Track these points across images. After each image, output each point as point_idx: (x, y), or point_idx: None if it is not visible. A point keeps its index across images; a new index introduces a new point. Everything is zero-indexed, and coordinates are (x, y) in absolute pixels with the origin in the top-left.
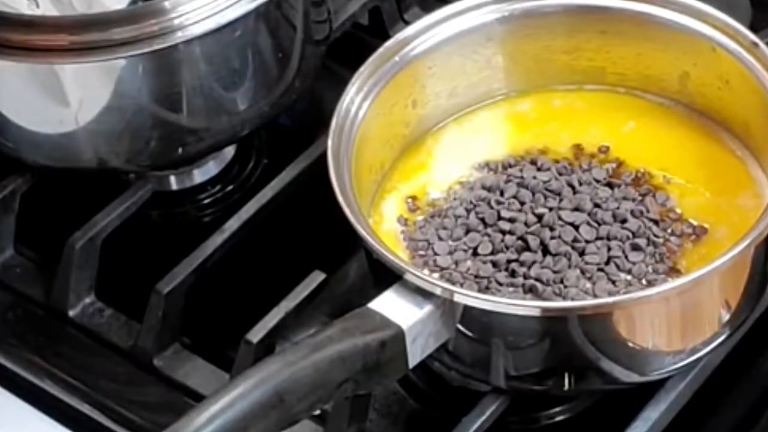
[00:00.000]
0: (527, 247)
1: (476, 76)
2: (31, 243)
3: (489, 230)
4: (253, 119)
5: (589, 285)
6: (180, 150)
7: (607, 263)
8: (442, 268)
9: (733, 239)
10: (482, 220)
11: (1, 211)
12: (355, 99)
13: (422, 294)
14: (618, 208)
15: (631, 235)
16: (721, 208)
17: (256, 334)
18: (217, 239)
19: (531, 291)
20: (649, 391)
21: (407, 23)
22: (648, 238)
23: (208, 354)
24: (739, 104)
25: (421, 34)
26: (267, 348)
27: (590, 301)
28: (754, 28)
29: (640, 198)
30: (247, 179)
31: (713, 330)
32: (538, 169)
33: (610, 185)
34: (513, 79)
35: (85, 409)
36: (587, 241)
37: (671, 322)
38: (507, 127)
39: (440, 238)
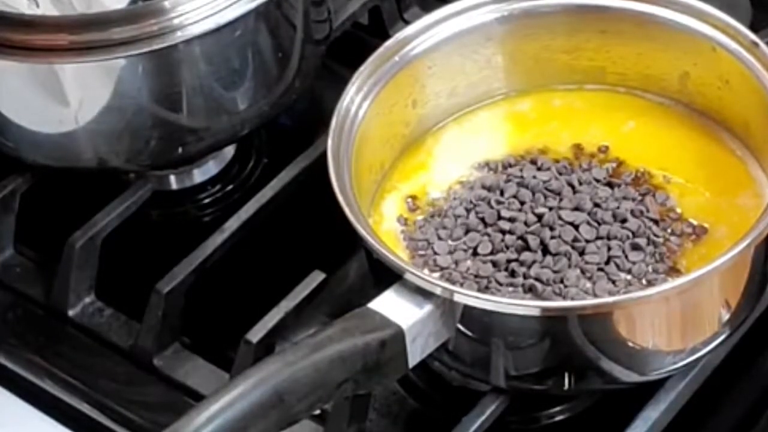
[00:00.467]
0: (527, 247)
1: (476, 75)
2: (31, 243)
3: (489, 230)
4: (253, 119)
5: (589, 285)
6: (180, 150)
7: (607, 263)
8: (442, 268)
9: (733, 239)
10: (482, 219)
11: (1, 211)
12: (355, 99)
13: (422, 294)
14: (618, 207)
15: (631, 234)
16: (721, 208)
17: (256, 334)
18: (217, 239)
19: (531, 291)
20: (649, 391)
21: (407, 23)
22: (648, 238)
23: (208, 354)
24: (739, 104)
25: (421, 33)
26: (267, 348)
27: (590, 301)
28: (754, 28)
29: (640, 198)
30: (247, 179)
31: (713, 330)
32: (538, 169)
33: (610, 185)
34: (513, 78)
35: (85, 409)
36: (587, 241)
37: (671, 322)
38: (507, 127)
39: (440, 238)
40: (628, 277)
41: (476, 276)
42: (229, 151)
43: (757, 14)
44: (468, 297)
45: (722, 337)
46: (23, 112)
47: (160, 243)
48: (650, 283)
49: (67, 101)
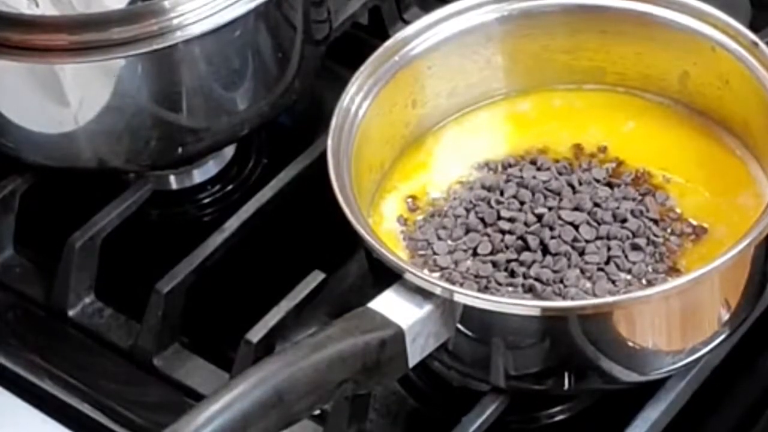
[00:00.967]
0: (527, 247)
1: (476, 75)
2: (31, 243)
3: (489, 230)
4: (253, 119)
5: (589, 285)
6: (180, 150)
7: (607, 263)
8: (442, 268)
9: (733, 239)
10: (482, 219)
11: (1, 211)
12: (355, 99)
13: (422, 294)
14: (618, 207)
15: (631, 234)
16: (720, 208)
17: (256, 334)
18: (217, 239)
19: (531, 291)
20: (649, 391)
21: (407, 23)
22: (648, 238)
23: (208, 354)
24: (739, 104)
25: (420, 33)
26: (267, 348)
27: (590, 301)
28: (754, 28)
29: (639, 198)
30: (247, 179)
31: (713, 330)
32: (538, 169)
33: (609, 185)
34: (513, 78)
35: (85, 409)
36: (587, 241)
37: (671, 322)
38: (507, 127)
39: (440, 238)
40: (628, 277)
41: (476, 276)
42: (229, 151)
43: (757, 14)
44: (468, 297)
45: (722, 337)
46: (23, 112)
47: (160, 243)
48: (650, 283)
49: (67, 101)
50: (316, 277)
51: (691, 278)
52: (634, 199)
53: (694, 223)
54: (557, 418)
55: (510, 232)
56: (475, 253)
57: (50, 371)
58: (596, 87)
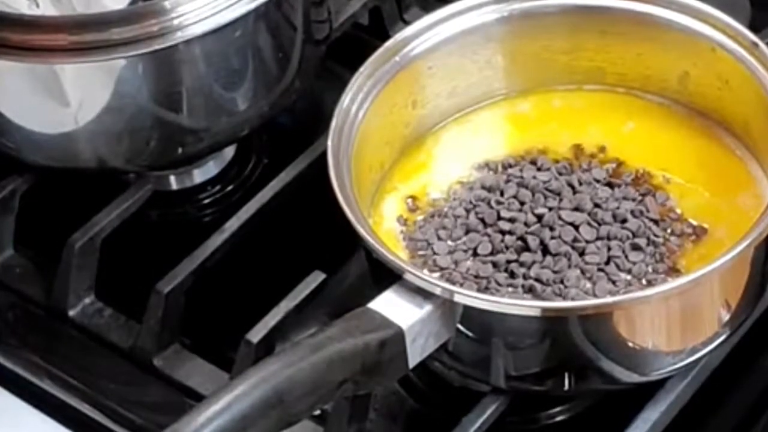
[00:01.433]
0: (527, 248)
1: (476, 76)
2: (31, 243)
3: (489, 230)
4: (253, 119)
5: (589, 285)
6: (180, 150)
7: (607, 263)
8: (442, 268)
9: (733, 239)
10: (482, 220)
11: (1, 211)
12: (355, 99)
13: (422, 294)
14: (618, 208)
15: (631, 235)
16: (720, 208)
17: (256, 334)
18: (217, 239)
19: (531, 291)
20: (649, 391)
21: (407, 23)
22: (648, 238)
23: (208, 354)
24: (738, 104)
25: (421, 34)
26: (267, 348)
27: (590, 301)
28: (754, 28)
29: (640, 198)
30: (247, 179)
31: (713, 330)
32: (538, 169)
33: (610, 185)
34: (513, 79)
35: (85, 409)
36: (587, 241)
37: (671, 322)
38: (507, 127)
39: (440, 238)
40: (628, 277)
41: (476, 276)
42: (229, 151)
43: (757, 14)
44: (468, 297)
45: (722, 338)
46: (23, 112)
47: (159, 243)
48: (650, 284)
49: (67, 101)
50: (316, 278)
51: (691, 279)
52: (634, 200)
53: (694, 223)
54: (557, 419)
55: (510, 233)
56: (475, 254)
57: (50, 371)
58: (596, 87)
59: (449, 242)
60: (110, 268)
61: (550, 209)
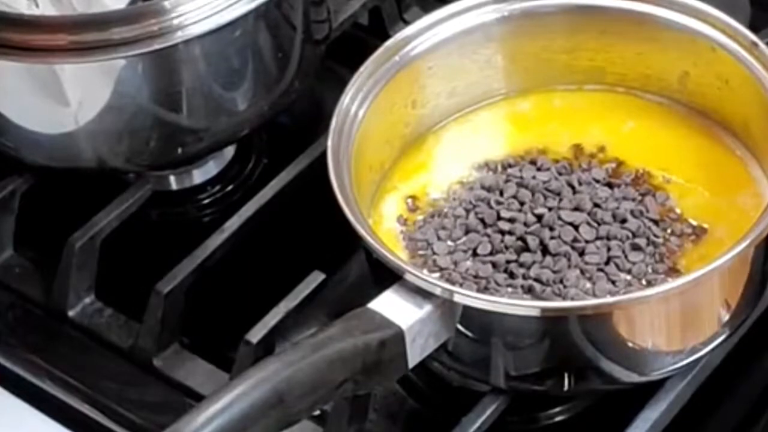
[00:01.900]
0: (527, 248)
1: (476, 75)
2: (31, 243)
3: (488, 230)
4: (253, 119)
5: (588, 285)
6: (180, 150)
7: (606, 263)
8: (442, 268)
9: (733, 239)
10: (482, 220)
11: (1, 211)
12: (355, 99)
13: (422, 294)
14: (618, 208)
15: (630, 235)
16: (720, 208)
17: (256, 334)
18: (217, 239)
19: (530, 291)
20: (649, 391)
21: (407, 23)
22: (648, 238)
23: (208, 354)
24: (738, 104)
25: (421, 34)
26: (267, 348)
27: (590, 301)
28: (754, 28)
29: (639, 198)
30: (247, 179)
31: (713, 330)
32: (538, 169)
33: (609, 185)
34: (513, 79)
35: (85, 409)
36: (587, 241)
37: (671, 322)
38: (507, 127)
39: (440, 238)
40: (628, 277)
41: (476, 277)
42: (229, 151)
43: (757, 14)
44: (468, 297)
45: (722, 337)
46: (23, 112)
47: (159, 243)
48: (650, 284)
49: (67, 101)
50: (316, 278)
51: (691, 278)
52: (634, 200)
53: (694, 223)
54: (557, 419)
55: (510, 233)
56: (474, 254)
57: (50, 371)
58: (596, 87)
59: (449, 242)
60: (110, 268)
61: (550, 209)
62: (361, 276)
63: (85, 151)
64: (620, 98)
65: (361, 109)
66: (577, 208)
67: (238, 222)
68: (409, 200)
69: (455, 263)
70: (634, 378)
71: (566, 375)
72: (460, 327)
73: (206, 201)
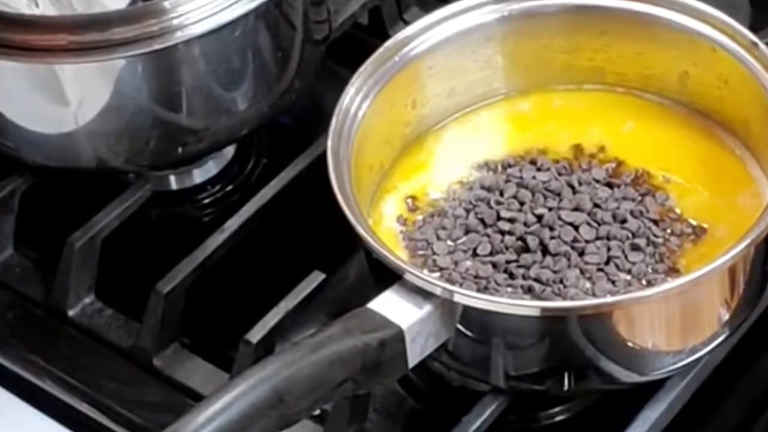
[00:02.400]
0: (527, 248)
1: (476, 75)
2: (31, 243)
3: (488, 230)
4: (253, 119)
5: (588, 285)
6: (180, 150)
7: (606, 263)
8: (442, 268)
9: (733, 239)
10: (482, 220)
11: (1, 211)
12: (355, 99)
13: (422, 294)
14: (618, 208)
15: (630, 235)
16: (720, 208)
17: (256, 334)
18: (217, 239)
19: (530, 291)
20: (649, 391)
21: (407, 23)
22: (648, 238)
23: (208, 354)
24: (738, 104)
25: (420, 34)
26: (267, 348)
27: (590, 301)
28: (754, 28)
29: (639, 198)
30: (247, 179)
31: (713, 330)
32: (538, 169)
33: (609, 185)
34: (513, 79)
35: (85, 409)
36: (587, 241)
37: (671, 322)
38: (507, 127)
39: (439, 238)
40: (628, 277)
41: (476, 276)
42: (229, 151)
43: (757, 14)
44: (468, 297)
45: (722, 337)
46: (23, 112)
47: (160, 243)
48: (650, 284)
49: (67, 101)
50: (316, 277)
51: (691, 278)
52: (633, 200)
53: (694, 223)
54: (557, 418)
55: (510, 233)
56: (474, 254)
57: (50, 371)
58: (596, 87)
59: (449, 242)
60: (110, 268)
61: (550, 209)
62: (360, 276)
63: (84, 151)
64: (620, 98)
65: (361, 109)
66: (577, 208)
67: (238, 222)
68: (409, 200)
69: (455, 263)
70: (634, 378)
71: (566, 375)
72: (460, 327)
73: (206, 201)
